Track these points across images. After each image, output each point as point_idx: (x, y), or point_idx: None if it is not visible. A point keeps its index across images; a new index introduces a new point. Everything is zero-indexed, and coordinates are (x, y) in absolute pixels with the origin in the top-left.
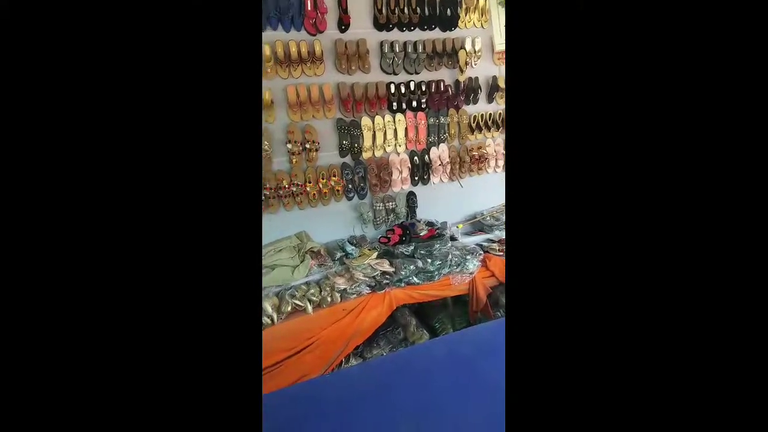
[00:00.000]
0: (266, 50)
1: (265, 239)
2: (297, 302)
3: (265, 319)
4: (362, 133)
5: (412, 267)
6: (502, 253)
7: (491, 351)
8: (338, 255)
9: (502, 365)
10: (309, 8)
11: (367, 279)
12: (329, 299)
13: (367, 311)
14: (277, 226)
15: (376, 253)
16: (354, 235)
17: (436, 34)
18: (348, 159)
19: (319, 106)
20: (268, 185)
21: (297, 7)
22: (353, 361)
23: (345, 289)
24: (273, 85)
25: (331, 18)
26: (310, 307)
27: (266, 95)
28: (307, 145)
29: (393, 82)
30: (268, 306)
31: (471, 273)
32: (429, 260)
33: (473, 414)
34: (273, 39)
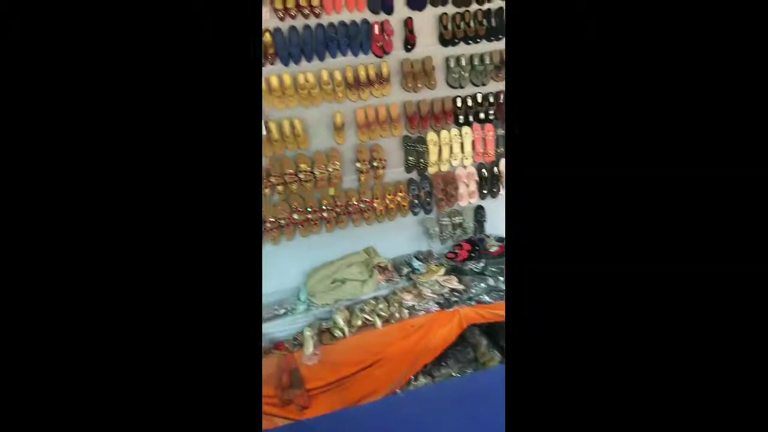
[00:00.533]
0: (337, 75)
1: (337, 254)
2: (366, 317)
3: (337, 332)
4: (428, 148)
5: (482, 285)
6: None
7: None
8: (405, 270)
9: None
10: (376, 32)
11: (435, 296)
12: (397, 315)
13: (435, 329)
14: (347, 242)
15: (444, 269)
16: (420, 250)
17: (503, 44)
18: (414, 175)
19: (386, 125)
20: (339, 203)
21: (365, 33)
22: (422, 380)
23: (413, 306)
24: (344, 108)
25: (398, 38)
26: (379, 322)
27: (338, 118)
28: (375, 163)
29: (459, 96)
30: (339, 319)
31: None
32: (501, 278)
33: None
34: (344, 65)
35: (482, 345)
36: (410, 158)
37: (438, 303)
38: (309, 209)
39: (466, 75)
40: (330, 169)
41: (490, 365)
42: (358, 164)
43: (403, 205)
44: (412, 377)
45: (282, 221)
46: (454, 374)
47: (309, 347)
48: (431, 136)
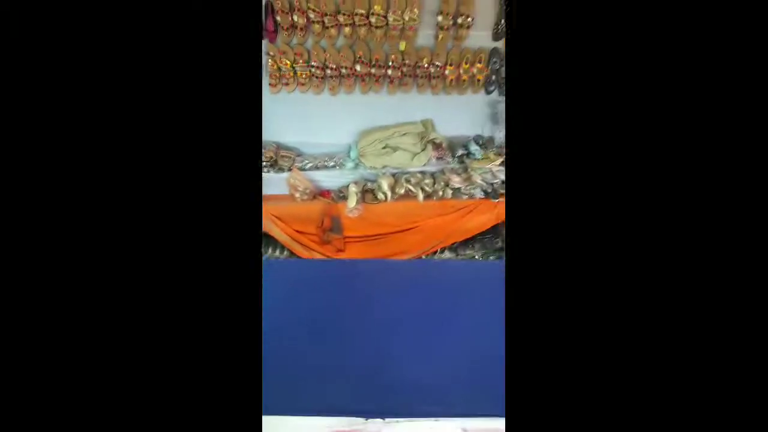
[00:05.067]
0: None
1: (393, 119)
2: (410, 187)
3: (381, 195)
4: None
5: None
6: None
7: None
8: (459, 152)
9: None
10: None
11: (484, 184)
12: (441, 193)
13: (474, 215)
14: (406, 108)
15: (501, 159)
16: (481, 135)
17: None
18: (500, 44)
19: None
20: (407, 61)
21: None
22: (447, 254)
23: (459, 188)
24: None
25: None
26: (421, 196)
27: None
28: (460, 20)
29: None
30: (384, 183)
31: None
32: None
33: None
34: None
35: None
36: (503, 22)
37: (484, 191)
38: (374, 62)
39: None
40: (406, 18)
41: None
42: (439, 17)
43: (478, 79)
44: (439, 250)
45: (343, 70)
46: (476, 257)
47: (352, 201)
48: None
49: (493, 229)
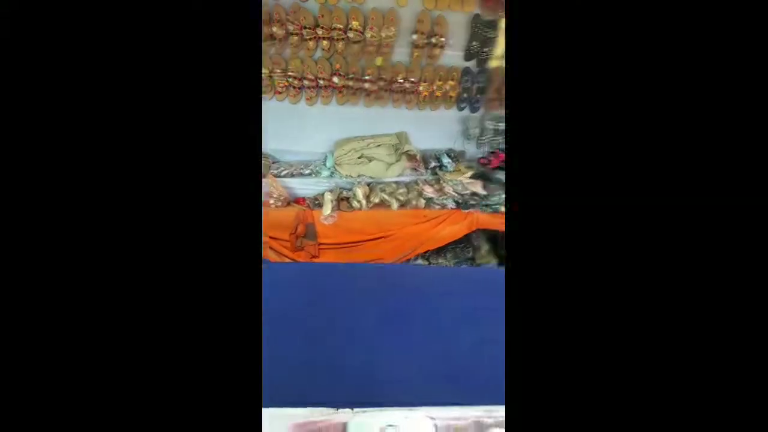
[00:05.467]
0: None
1: (370, 130)
2: (385, 197)
3: (355, 203)
4: (497, 36)
5: (503, 196)
6: None
7: None
8: (432, 164)
9: None
10: None
11: (455, 195)
12: (414, 202)
13: (446, 224)
14: (382, 121)
15: (471, 173)
16: (453, 149)
17: None
18: (472, 64)
19: None
20: (383, 76)
21: None
22: (420, 261)
23: (432, 198)
24: None
25: None
26: (395, 205)
27: None
28: (434, 39)
29: None
30: (359, 192)
31: None
32: None
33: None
34: None
35: (483, 249)
36: (474, 43)
37: (456, 202)
38: (351, 75)
39: None
40: (383, 35)
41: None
42: (414, 36)
43: (451, 96)
44: (413, 257)
45: (321, 81)
46: (448, 265)
47: (327, 209)
48: (504, 23)
49: (465, 239)
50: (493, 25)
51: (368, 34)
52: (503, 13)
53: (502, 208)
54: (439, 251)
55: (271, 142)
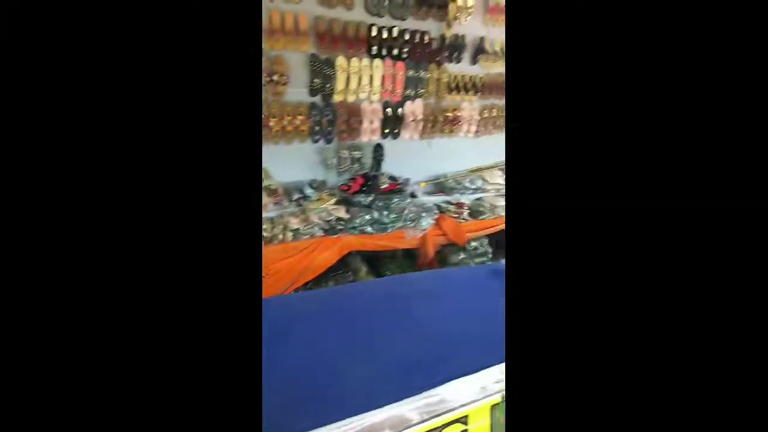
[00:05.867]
0: None
1: None
2: None
3: None
4: (336, 73)
5: (367, 217)
6: (456, 216)
7: (427, 294)
8: (296, 196)
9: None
10: None
11: (321, 222)
12: (281, 237)
13: (318, 252)
14: None
15: (335, 200)
16: (315, 179)
17: None
18: (318, 99)
19: (292, 37)
20: None
21: None
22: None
23: (298, 229)
24: None
25: None
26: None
27: None
28: (275, 77)
29: (376, 25)
30: None
31: (423, 229)
32: (385, 212)
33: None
34: None
35: (362, 270)
36: (316, 80)
37: (323, 229)
38: None
39: (386, 4)
40: None
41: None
42: None
43: (302, 130)
44: (293, 291)
45: None
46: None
47: None
48: (341, 61)
49: (341, 263)
50: (330, 63)
51: None
52: (338, 52)
53: (368, 229)
54: (319, 280)
55: None
